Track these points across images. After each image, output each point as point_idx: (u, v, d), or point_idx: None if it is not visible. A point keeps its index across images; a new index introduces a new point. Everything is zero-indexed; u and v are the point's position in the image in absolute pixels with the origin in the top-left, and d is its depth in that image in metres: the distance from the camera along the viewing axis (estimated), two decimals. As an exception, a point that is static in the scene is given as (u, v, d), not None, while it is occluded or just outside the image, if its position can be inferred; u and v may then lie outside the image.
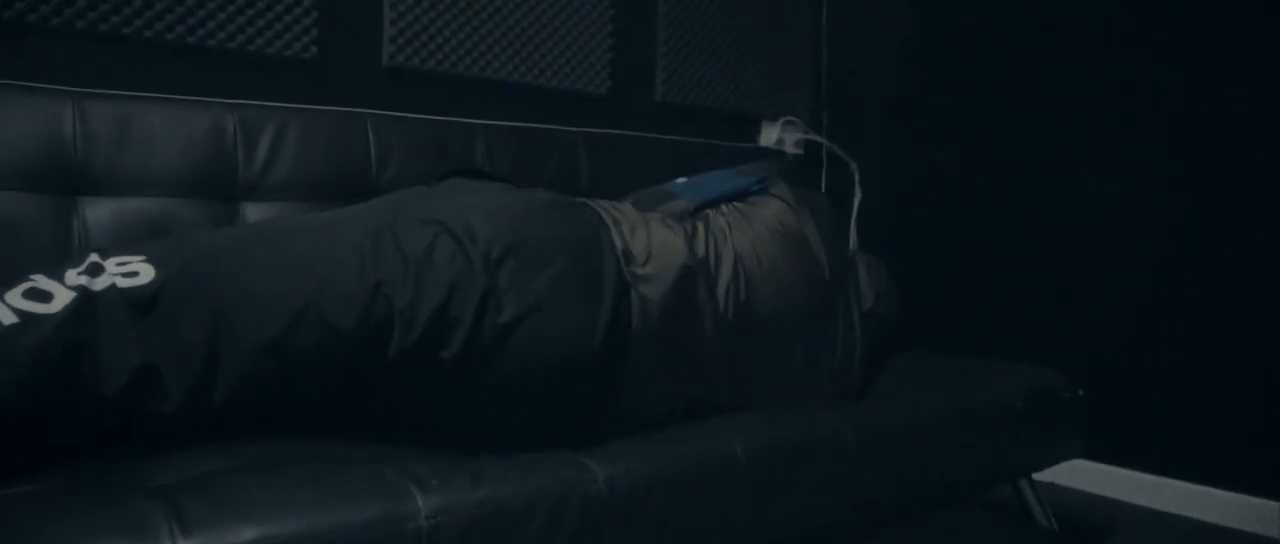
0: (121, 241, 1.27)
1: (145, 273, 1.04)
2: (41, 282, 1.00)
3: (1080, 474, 2.37)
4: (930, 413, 1.55)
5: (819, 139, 2.80)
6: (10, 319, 0.95)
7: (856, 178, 2.83)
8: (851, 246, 2.88)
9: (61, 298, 0.99)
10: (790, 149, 2.72)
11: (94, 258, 1.05)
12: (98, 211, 1.45)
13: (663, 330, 1.27)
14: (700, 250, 1.39)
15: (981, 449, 1.63)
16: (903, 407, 1.54)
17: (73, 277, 1.02)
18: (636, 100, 2.42)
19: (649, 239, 1.33)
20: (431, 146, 1.82)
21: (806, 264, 1.50)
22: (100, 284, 1.02)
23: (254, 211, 1.60)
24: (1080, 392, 1.83)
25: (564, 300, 1.16)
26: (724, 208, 1.55)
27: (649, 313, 1.25)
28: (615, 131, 2.21)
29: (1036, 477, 1.89)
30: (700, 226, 1.44)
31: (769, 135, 2.70)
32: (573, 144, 2.06)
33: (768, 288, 1.43)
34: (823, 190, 2.84)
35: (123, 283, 1.02)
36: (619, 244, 1.28)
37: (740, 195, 1.60)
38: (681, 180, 1.68)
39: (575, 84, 2.25)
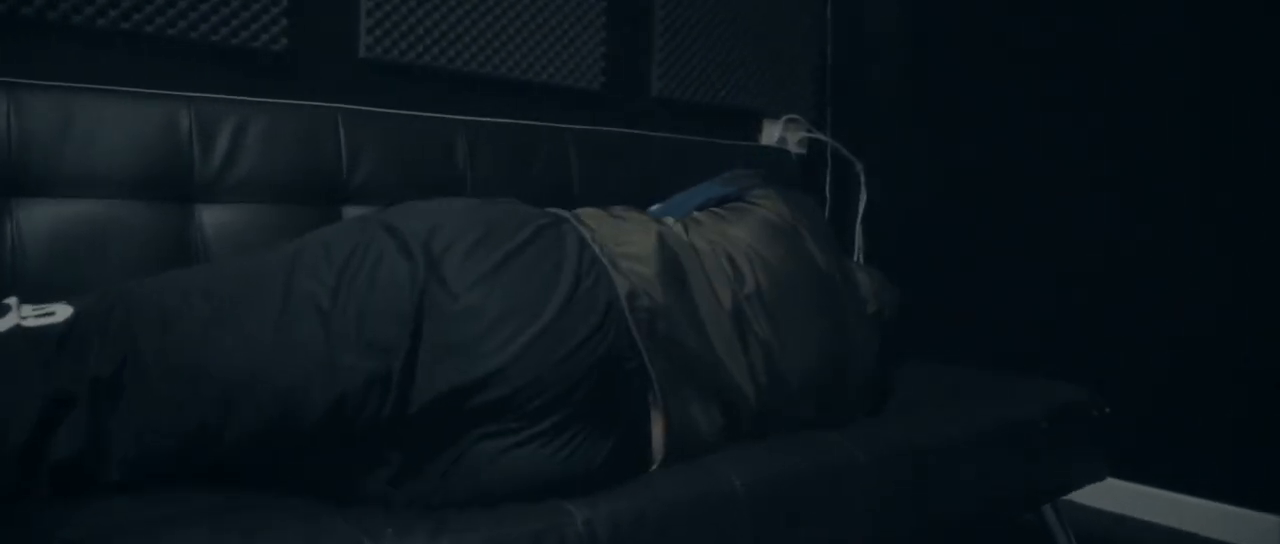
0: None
1: (61, 313, 0.93)
2: None
3: (1103, 492, 2.24)
4: (948, 435, 1.42)
5: (823, 138, 2.68)
6: None
7: (862, 178, 2.71)
8: (857, 250, 2.76)
9: None
10: (793, 148, 2.60)
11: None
12: (34, 214, 1.32)
13: (667, 309, 1.16)
14: (684, 236, 1.30)
15: (1004, 474, 1.50)
16: (918, 428, 1.41)
17: None
18: (631, 96, 2.29)
19: (617, 227, 1.23)
20: (408, 145, 1.69)
21: (804, 259, 1.40)
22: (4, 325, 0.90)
23: (210, 214, 1.47)
24: (1107, 408, 1.70)
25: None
26: (708, 211, 1.45)
27: (645, 291, 1.14)
28: (607, 129, 2.08)
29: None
30: (682, 222, 1.35)
31: (770, 134, 2.57)
32: (562, 142, 1.93)
33: (769, 282, 1.32)
34: (826, 192, 2.72)
35: (31, 323, 0.90)
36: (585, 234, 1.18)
37: (721, 203, 1.50)
38: (655, 206, 1.60)
39: (566, 79, 2.12)
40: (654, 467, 1.15)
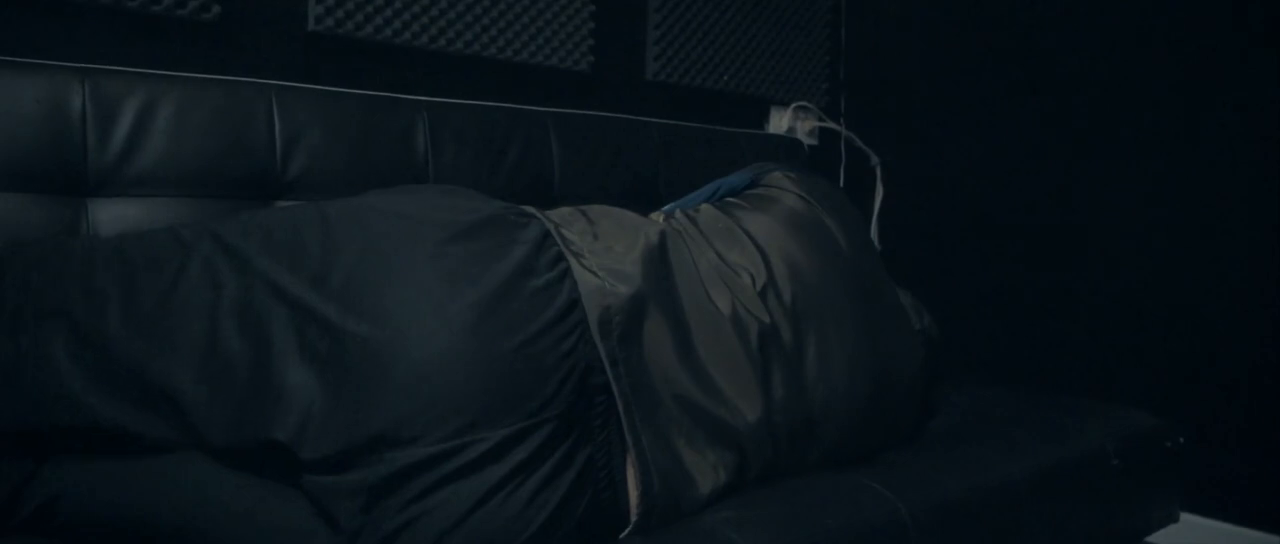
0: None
1: None
2: None
3: (1173, 530, 1.98)
4: (1006, 475, 1.17)
5: (836, 127, 2.43)
6: None
7: (878, 173, 2.46)
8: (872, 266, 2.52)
9: None
10: (803, 138, 2.35)
11: None
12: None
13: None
14: (683, 232, 1.09)
15: (1073, 521, 1.24)
16: (970, 469, 1.15)
17: None
18: (623, 80, 2.04)
19: (594, 225, 1.01)
20: (357, 129, 1.44)
21: (834, 257, 1.16)
22: None
23: (107, 210, 1.21)
24: (1181, 439, 1.45)
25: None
26: (722, 202, 1.22)
27: (620, 293, 0.93)
28: (594, 113, 1.83)
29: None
30: (686, 214, 1.14)
31: (779, 122, 2.33)
32: (542, 127, 1.67)
33: (793, 283, 1.08)
34: (841, 185, 2.47)
35: None
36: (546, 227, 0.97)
37: (737, 192, 1.27)
38: (667, 206, 1.37)
39: (549, 59, 1.86)
40: (628, 529, 0.91)
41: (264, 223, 0.91)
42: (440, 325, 0.81)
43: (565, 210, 1.07)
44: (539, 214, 1.01)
